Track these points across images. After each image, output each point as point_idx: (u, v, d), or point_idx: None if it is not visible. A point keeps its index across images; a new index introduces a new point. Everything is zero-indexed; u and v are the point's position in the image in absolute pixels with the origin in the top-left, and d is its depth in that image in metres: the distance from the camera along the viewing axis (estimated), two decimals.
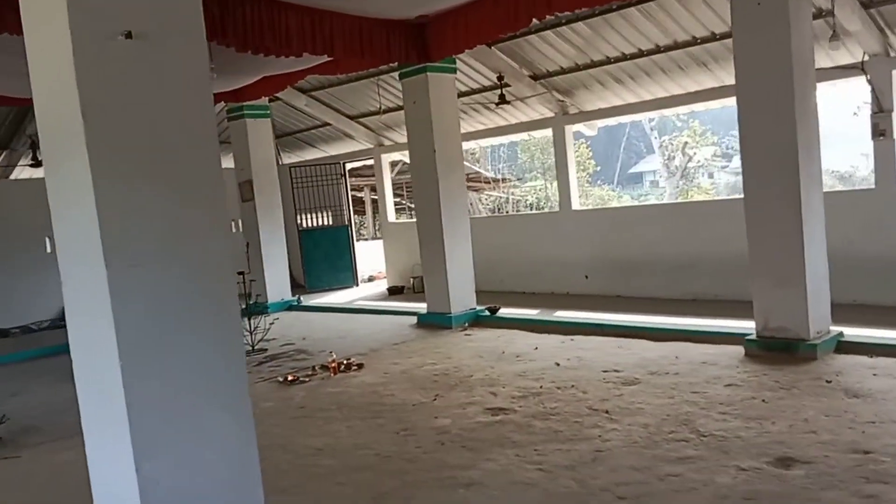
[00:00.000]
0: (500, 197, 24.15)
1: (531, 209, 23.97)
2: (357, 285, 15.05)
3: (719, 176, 25.23)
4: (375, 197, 23.59)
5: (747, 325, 7.26)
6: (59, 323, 13.02)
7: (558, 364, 6.94)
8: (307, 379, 7.28)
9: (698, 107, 10.77)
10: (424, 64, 8.95)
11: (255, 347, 8.93)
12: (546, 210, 19.47)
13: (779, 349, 6.49)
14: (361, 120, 13.78)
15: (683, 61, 9.43)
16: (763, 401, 5.35)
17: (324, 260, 14.65)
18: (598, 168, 26.49)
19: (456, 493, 4.19)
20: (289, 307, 12.51)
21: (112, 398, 2.62)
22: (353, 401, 6.36)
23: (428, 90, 9.07)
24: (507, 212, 22.89)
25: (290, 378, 7.26)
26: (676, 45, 9.19)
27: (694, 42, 9.05)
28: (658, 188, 33.98)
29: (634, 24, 9.06)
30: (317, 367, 7.57)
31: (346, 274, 14.93)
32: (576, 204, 11.32)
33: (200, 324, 2.78)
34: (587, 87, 10.49)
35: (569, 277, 11.20)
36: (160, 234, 2.68)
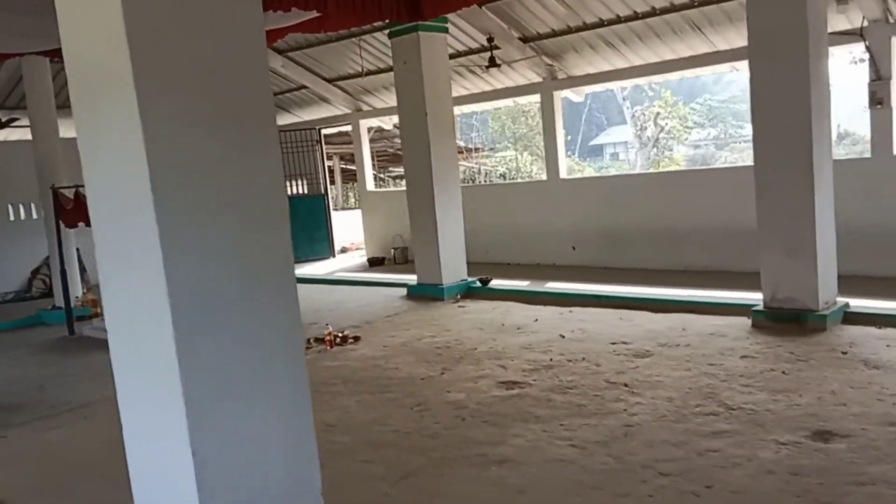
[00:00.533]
0: (472, 168, 23.87)
1: (503, 180, 23.76)
2: (334, 256, 14.72)
3: (677, 148, 25.24)
4: (345, 166, 23.15)
5: (749, 296, 7.20)
6: (23, 295, 12.44)
7: (563, 336, 6.77)
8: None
9: (688, 73, 10.63)
10: (416, 22, 8.59)
11: None
12: (532, 179, 19.26)
13: (787, 320, 6.40)
14: (340, 83, 13.33)
15: (678, 25, 9.22)
16: (783, 373, 5.24)
17: (300, 230, 14.21)
18: (569, 138, 26.31)
19: (489, 470, 3.99)
20: None
21: (162, 371, 2.32)
22: (357, 375, 6.10)
23: (420, 50, 8.73)
24: (479, 182, 22.62)
25: None
26: (673, 8, 8.97)
27: (692, 5, 8.84)
28: (619, 160, 34.02)
29: None
30: (312, 340, 7.27)
31: (322, 245, 14.57)
32: (563, 173, 11.12)
33: (257, 287, 2.49)
34: (577, 51, 10.23)
35: (555, 248, 11.04)
36: (216, 185, 2.36)
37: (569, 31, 9.91)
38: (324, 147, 14.92)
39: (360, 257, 14.27)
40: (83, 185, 8.35)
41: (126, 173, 2.29)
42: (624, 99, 24.59)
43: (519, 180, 20.06)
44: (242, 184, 2.46)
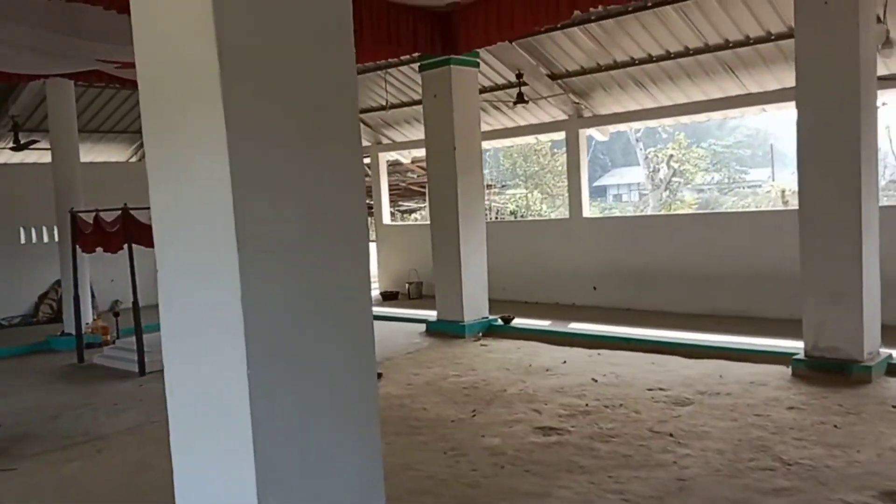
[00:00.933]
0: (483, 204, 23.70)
1: (514, 217, 23.63)
2: None
3: (682, 193, 25.14)
4: None
5: (784, 344, 6.99)
6: (29, 319, 12.22)
7: (595, 380, 6.52)
8: None
9: (716, 115, 10.53)
10: (448, 56, 8.49)
11: None
12: (554, 216, 19.08)
13: (830, 370, 6.16)
14: (361, 116, 13.25)
15: (711, 66, 9.13)
16: (835, 426, 4.99)
17: None
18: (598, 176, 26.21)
19: None
20: None
21: (230, 414, 2.10)
22: (383, 414, 5.82)
23: (451, 84, 8.62)
24: (490, 219, 22.47)
25: None
26: (707, 48, 8.87)
27: (726, 46, 8.74)
28: (622, 202, 33.94)
29: (666, 23, 8.72)
30: None
31: None
32: (587, 211, 10.96)
33: (333, 325, 2.27)
34: (605, 89, 10.13)
35: (576, 288, 10.81)
36: (298, 212, 2.16)
37: (598, 69, 9.82)
38: None
39: (372, 291, 14.05)
40: (103, 210, 8.21)
41: (202, 199, 2.10)
42: (637, 140, 24.51)
43: (540, 217, 19.87)
44: (325, 213, 2.26)
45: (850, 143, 5.98)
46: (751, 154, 32.36)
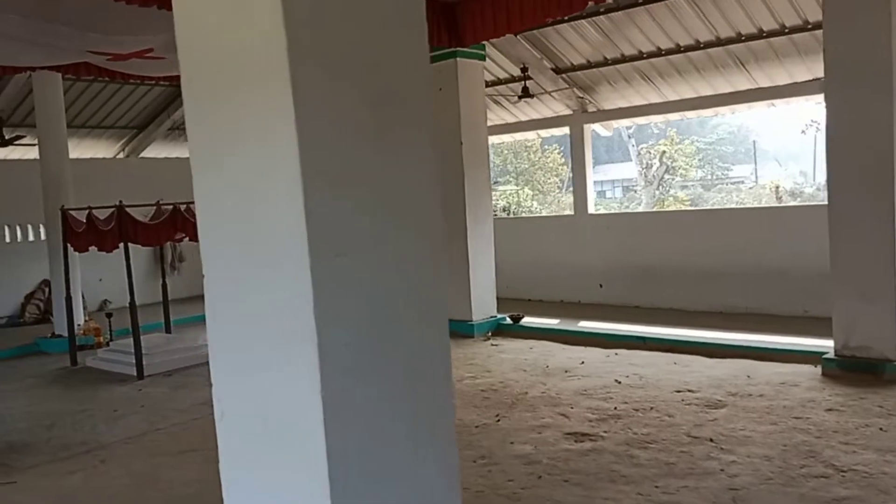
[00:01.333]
0: None
1: (506, 214, 23.38)
2: None
3: (675, 190, 25.05)
4: None
5: (815, 343, 6.78)
6: (16, 320, 11.79)
7: (619, 381, 6.28)
8: None
9: (724, 110, 10.37)
10: (454, 48, 8.22)
11: None
12: (551, 213, 18.85)
13: (862, 370, 5.96)
14: None
15: (721, 59, 8.93)
16: (881, 429, 4.79)
17: None
18: (571, 175, 26.01)
19: None
20: None
21: (298, 441, 1.80)
22: None
23: (457, 77, 8.35)
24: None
25: None
26: (718, 42, 8.67)
27: (738, 39, 8.55)
28: (605, 198, 33.89)
29: (678, 16, 8.51)
30: None
31: None
32: (592, 208, 10.73)
33: (407, 339, 1.99)
34: (611, 84, 9.91)
35: (581, 285, 10.58)
36: (372, 211, 1.87)
37: (605, 62, 9.59)
38: None
39: None
40: (96, 207, 7.85)
41: (266, 186, 1.79)
42: (630, 136, 24.35)
43: (545, 214, 19.65)
44: (402, 208, 1.97)
45: (882, 137, 5.77)
46: (733, 151, 32.43)
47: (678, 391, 5.89)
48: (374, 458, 1.90)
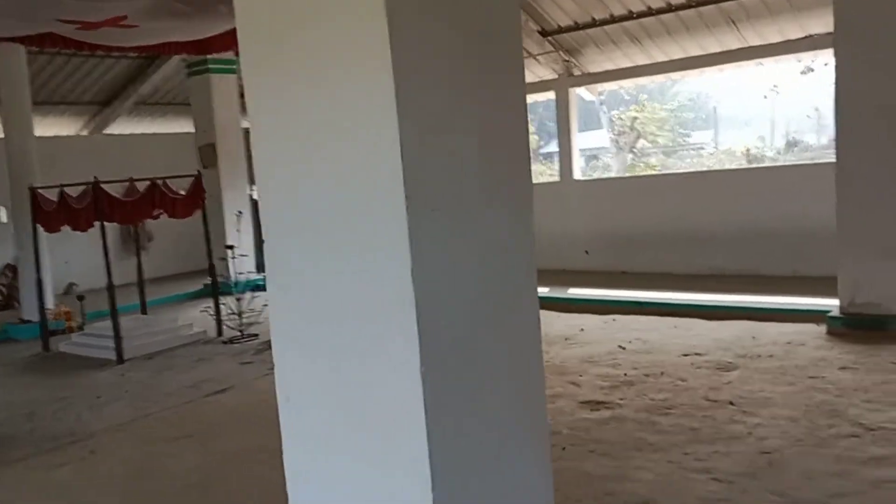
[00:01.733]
0: None
1: None
2: None
3: (649, 156, 25.03)
4: None
5: (817, 302, 6.69)
6: None
7: (623, 347, 6.13)
8: None
9: (711, 70, 10.17)
10: None
11: (245, 333, 7.73)
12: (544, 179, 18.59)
13: (868, 327, 5.88)
14: None
15: (712, 18, 8.73)
16: None
17: None
18: (542, 143, 25.84)
19: None
20: (254, 287, 11.21)
21: (391, 428, 1.54)
22: None
23: None
24: None
25: None
26: (711, 0, 8.46)
27: None
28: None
29: None
30: None
31: None
32: (577, 173, 10.53)
33: (502, 310, 1.75)
34: (598, 46, 9.66)
35: (567, 252, 10.39)
36: (469, 160, 1.62)
37: (593, 23, 9.33)
38: None
39: None
40: (68, 185, 7.42)
41: (351, 129, 1.52)
42: (601, 103, 24.19)
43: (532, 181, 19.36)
44: (496, 159, 1.72)
45: (894, 90, 5.63)
46: (693, 117, 32.55)
47: (685, 355, 5.75)
48: (474, 444, 1.67)
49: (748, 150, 21.18)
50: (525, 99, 1.79)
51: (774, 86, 22.68)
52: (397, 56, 1.45)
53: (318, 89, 1.59)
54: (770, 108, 24.97)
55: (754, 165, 14.86)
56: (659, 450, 3.99)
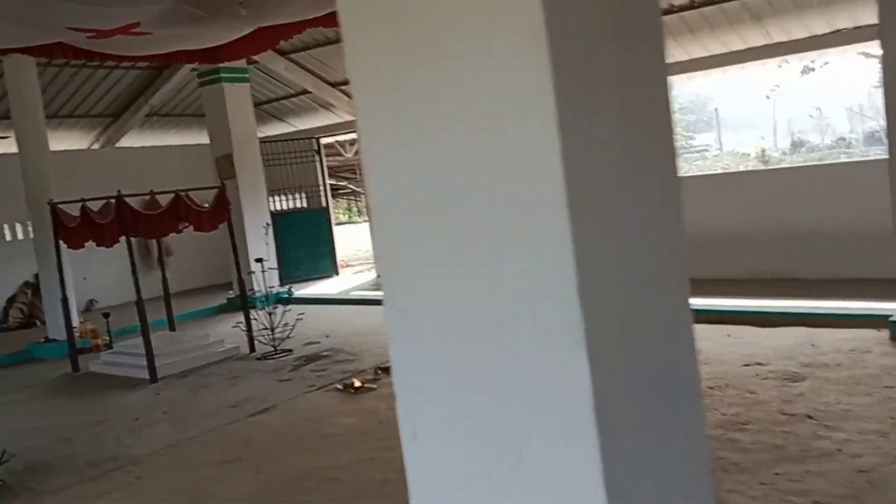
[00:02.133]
0: None
1: None
2: (337, 274, 13.64)
3: None
4: (334, 182, 21.96)
5: (870, 306, 6.48)
6: (1, 325, 11.08)
7: None
8: (374, 385, 5.97)
9: (733, 69, 10.00)
10: None
11: (279, 348, 7.53)
12: None
13: None
14: (345, 87, 12.34)
15: (737, 15, 8.54)
16: None
17: (300, 247, 13.10)
18: None
19: None
20: (278, 300, 11.01)
21: (553, 471, 1.33)
22: None
23: None
24: None
25: (355, 385, 5.93)
26: None
27: None
28: None
29: None
30: (379, 371, 6.26)
31: (325, 262, 13.47)
32: None
33: (661, 323, 1.54)
34: None
35: None
36: (621, 147, 1.39)
37: None
38: (323, 157, 13.85)
39: (354, 274, 13.33)
40: (89, 199, 7.22)
41: (491, 101, 1.27)
42: None
43: None
44: (646, 137, 1.49)
45: None
46: (696, 119, 32.39)
47: (747, 365, 5.53)
48: (648, 492, 1.45)
49: (763, 150, 21.02)
50: (668, 84, 1.57)
51: (777, 86, 22.52)
52: (551, 17, 1.22)
53: (454, 71, 1.34)
54: (772, 108, 24.82)
55: (784, 166, 14.65)
56: (745, 470, 3.77)
